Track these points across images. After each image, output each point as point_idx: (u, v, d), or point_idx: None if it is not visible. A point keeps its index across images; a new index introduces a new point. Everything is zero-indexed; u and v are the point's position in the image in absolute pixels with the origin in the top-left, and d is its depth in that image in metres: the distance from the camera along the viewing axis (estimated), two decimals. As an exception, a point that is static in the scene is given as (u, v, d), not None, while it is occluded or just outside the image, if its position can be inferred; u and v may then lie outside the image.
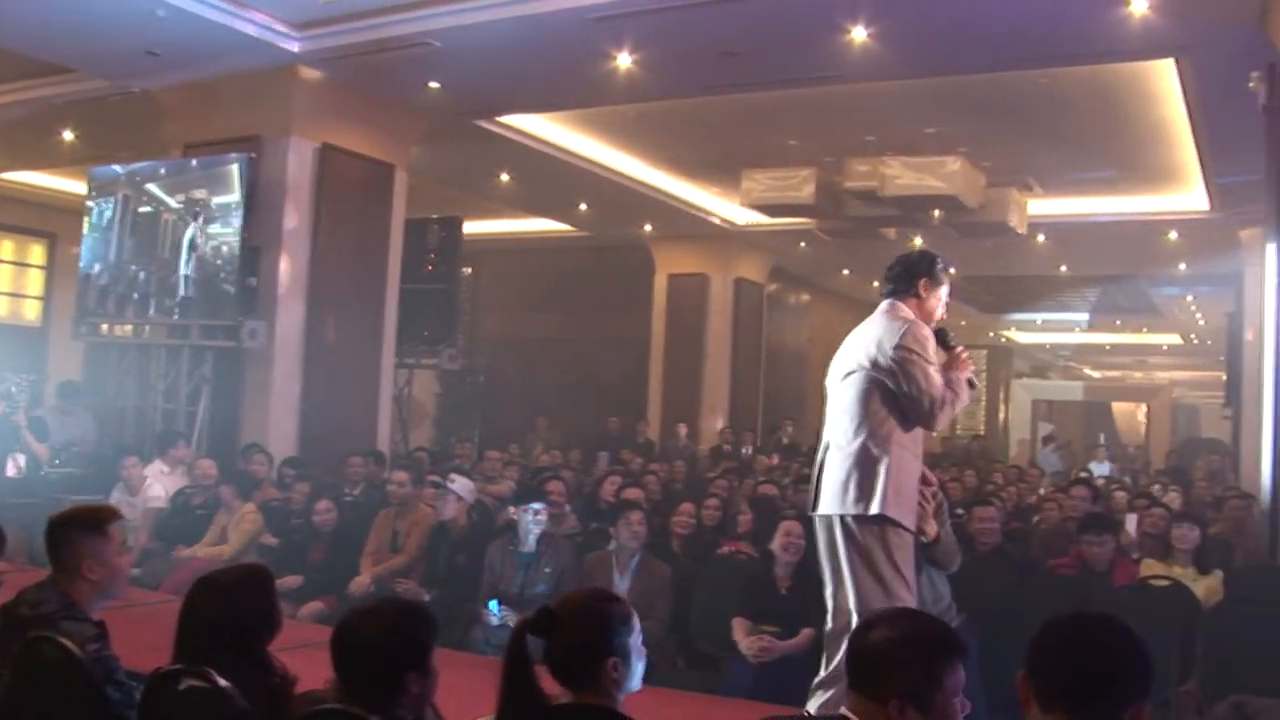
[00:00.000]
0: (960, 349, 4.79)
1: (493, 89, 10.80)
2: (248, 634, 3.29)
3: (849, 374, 4.64)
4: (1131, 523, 8.37)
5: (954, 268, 18.61)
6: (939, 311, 4.78)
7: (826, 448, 4.67)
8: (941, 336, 4.79)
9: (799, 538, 6.16)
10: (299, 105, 10.26)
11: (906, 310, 4.67)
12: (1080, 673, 2.40)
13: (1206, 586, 6.69)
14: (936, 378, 4.49)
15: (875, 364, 4.54)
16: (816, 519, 4.68)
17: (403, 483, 8.08)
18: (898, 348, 4.48)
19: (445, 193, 14.74)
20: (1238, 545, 8.44)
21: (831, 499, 4.53)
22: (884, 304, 4.76)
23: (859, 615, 4.28)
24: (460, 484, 7.88)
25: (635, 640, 2.91)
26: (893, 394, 4.50)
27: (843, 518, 4.48)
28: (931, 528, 4.83)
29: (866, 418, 4.50)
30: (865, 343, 4.64)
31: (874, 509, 4.37)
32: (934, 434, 4.88)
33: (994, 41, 8.89)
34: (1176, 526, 7.10)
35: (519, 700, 2.75)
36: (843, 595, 4.49)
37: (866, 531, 4.42)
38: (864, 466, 4.44)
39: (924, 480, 4.82)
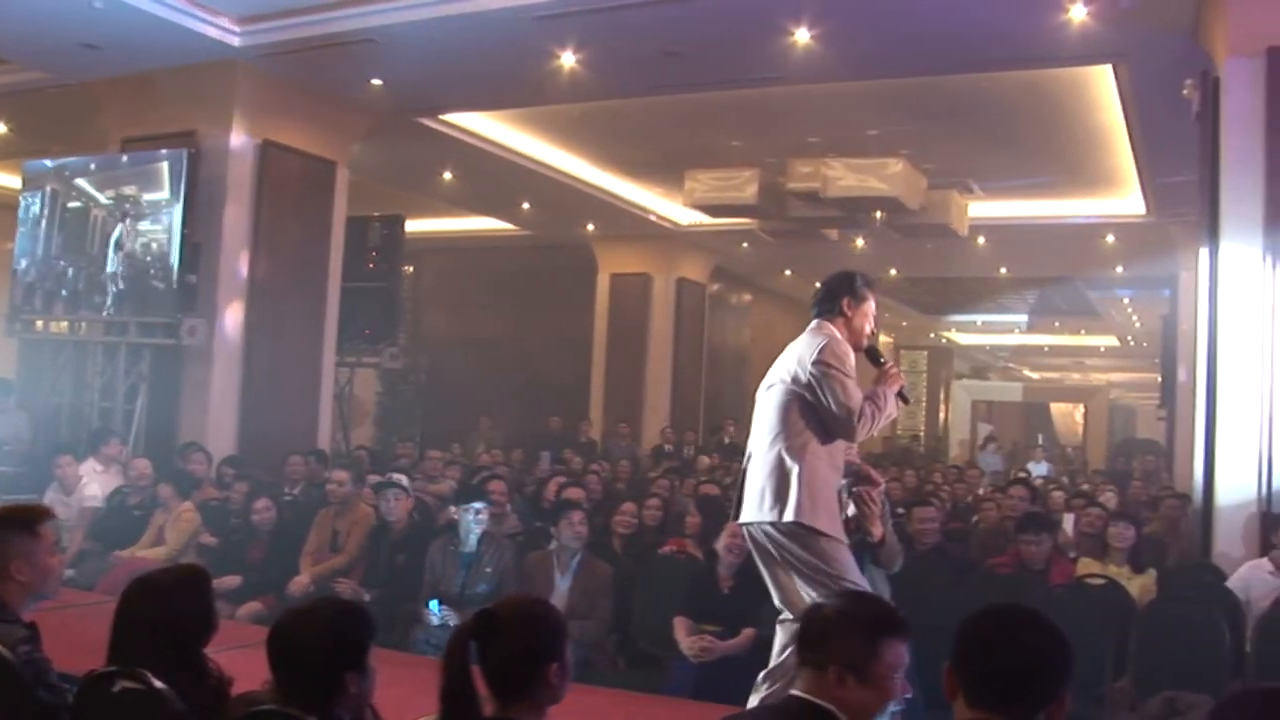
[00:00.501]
0: (889, 365, 4.87)
1: (435, 86, 10.75)
2: (184, 635, 3.24)
3: (770, 387, 4.73)
4: (1069, 523, 8.46)
5: (895, 269, 18.98)
6: (868, 328, 4.86)
7: (749, 457, 4.75)
8: (872, 354, 4.92)
9: (743, 539, 6.17)
10: (240, 101, 10.15)
11: (831, 328, 4.74)
12: (1004, 667, 2.44)
13: (1141, 585, 6.79)
14: (855, 391, 4.56)
15: (795, 378, 4.61)
16: (741, 528, 4.74)
17: (343, 482, 8.01)
18: (816, 362, 4.56)
19: (387, 191, 14.65)
20: (1171, 544, 8.56)
21: (749, 507, 4.61)
22: (811, 324, 4.84)
23: None
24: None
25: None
26: (812, 407, 4.58)
27: (763, 526, 4.54)
28: (878, 529, 4.90)
29: (783, 429, 4.58)
30: (790, 357, 4.72)
31: (788, 516, 4.43)
32: (854, 445, 4.91)
33: (936, 45, 8.97)
34: (1113, 526, 7.20)
35: (458, 708, 2.72)
36: (794, 597, 4.50)
37: (789, 538, 4.47)
38: (778, 475, 4.51)
39: (870, 481, 4.88)
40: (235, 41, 9.59)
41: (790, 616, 4.49)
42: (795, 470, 4.47)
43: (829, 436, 4.61)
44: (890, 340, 27.02)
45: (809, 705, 2.72)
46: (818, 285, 5.03)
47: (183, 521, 8.21)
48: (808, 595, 4.39)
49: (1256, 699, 2.18)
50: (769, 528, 4.51)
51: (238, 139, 10.21)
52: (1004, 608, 2.59)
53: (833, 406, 4.52)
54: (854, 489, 4.90)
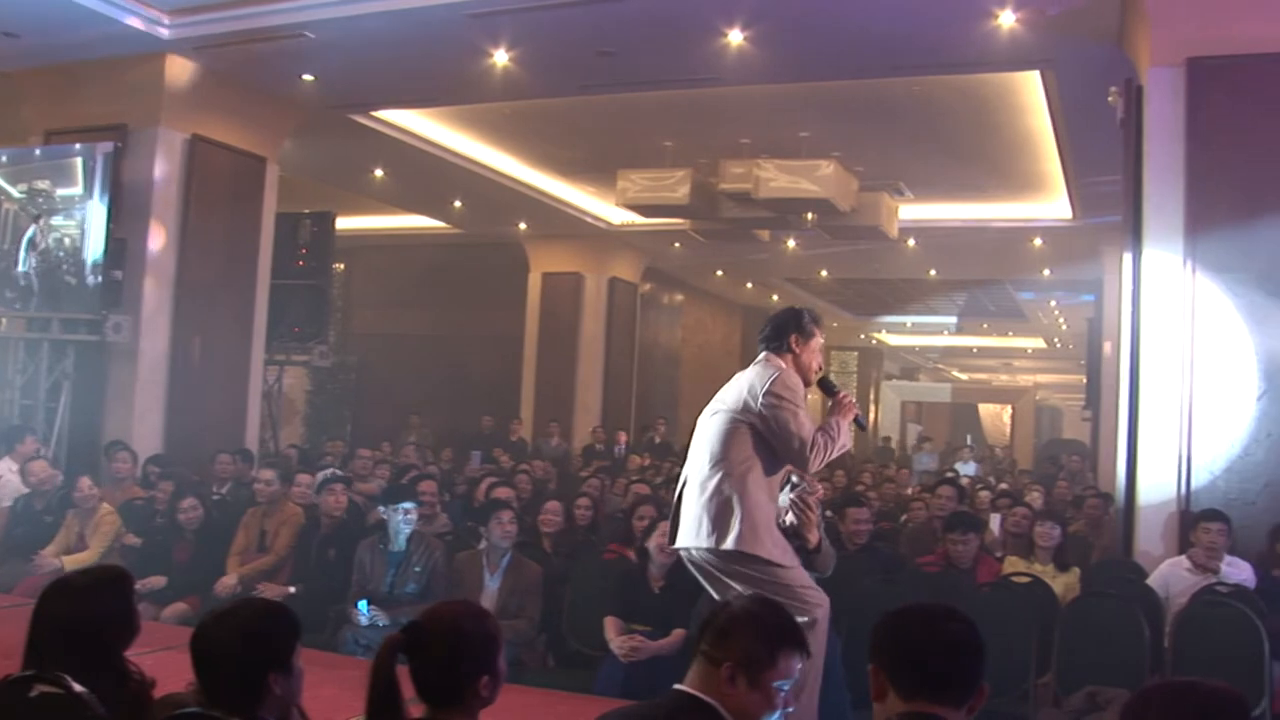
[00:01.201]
0: (843, 394, 4.94)
1: (367, 83, 10.68)
2: (104, 637, 3.19)
3: (716, 413, 4.75)
4: (996, 522, 8.58)
5: (825, 270, 19.09)
6: (815, 364, 4.91)
7: (684, 482, 4.77)
8: (826, 384, 5.00)
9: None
10: (168, 94, 9.99)
11: (779, 361, 4.78)
12: (932, 655, 2.51)
13: (1065, 583, 6.91)
14: (807, 422, 4.60)
15: (745, 408, 4.64)
16: (684, 559, 4.76)
17: (270, 481, 7.94)
18: (767, 393, 4.59)
19: (318, 187, 14.54)
20: (1095, 543, 8.71)
21: (686, 533, 4.64)
22: (760, 356, 4.87)
23: None
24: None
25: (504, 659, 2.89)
26: (760, 437, 4.61)
27: (702, 551, 4.57)
28: (814, 536, 4.94)
29: (724, 457, 4.60)
30: (738, 387, 4.75)
31: (728, 544, 4.46)
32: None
33: (868, 49, 9.05)
34: (1038, 525, 7.32)
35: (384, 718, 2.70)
36: None
37: (732, 564, 4.50)
38: (717, 503, 4.53)
39: (808, 487, 4.93)
40: (164, 34, 9.46)
41: None
42: (736, 499, 4.50)
43: (774, 467, 4.66)
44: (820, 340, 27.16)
45: (694, 700, 2.74)
46: (765, 323, 5.05)
47: (105, 525, 8.03)
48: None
49: (1164, 693, 2.23)
50: (708, 554, 4.54)
51: (166, 133, 10.06)
52: (921, 606, 2.65)
53: (784, 436, 4.56)
54: (793, 495, 4.93)
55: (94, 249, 9.60)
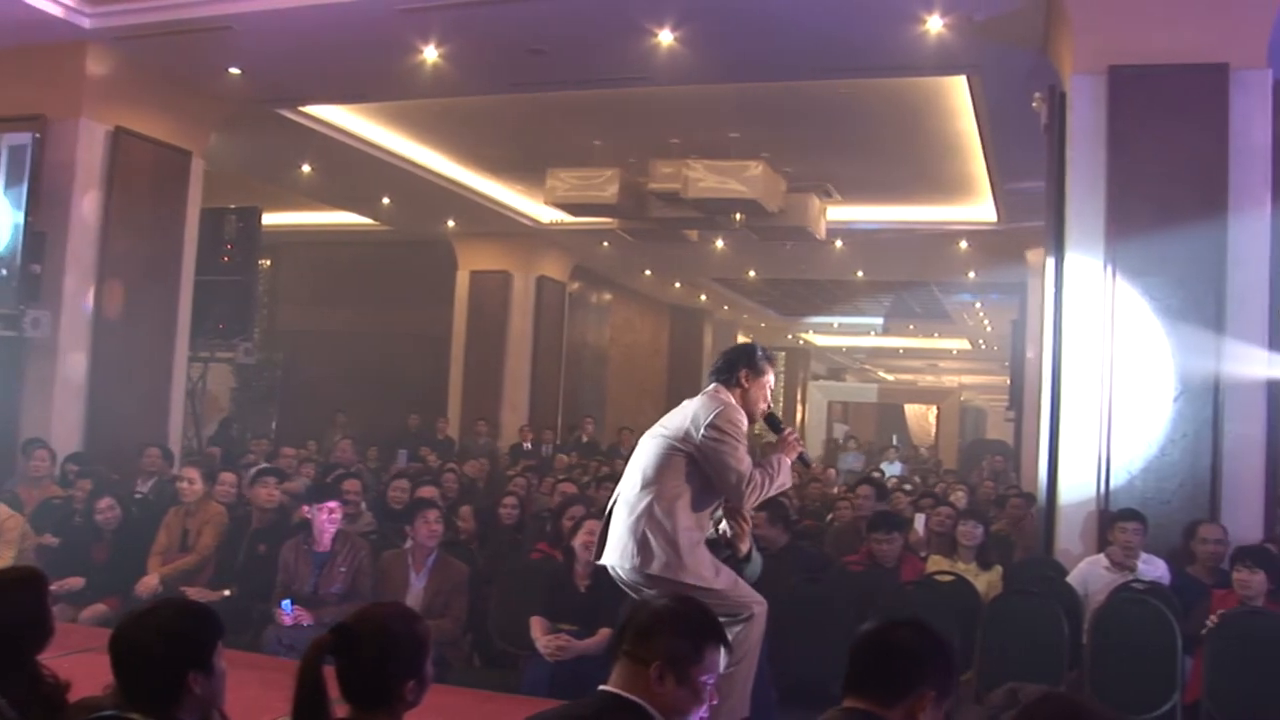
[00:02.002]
0: (790, 432, 4.99)
1: (295, 77, 10.58)
2: (16, 640, 3.13)
3: (656, 437, 4.77)
4: (920, 522, 8.68)
5: (754, 270, 19.19)
6: (763, 403, 4.94)
7: (615, 499, 4.79)
8: (772, 421, 5.06)
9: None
10: (89, 85, 9.81)
11: (727, 395, 4.81)
12: (863, 654, 2.61)
13: (987, 581, 7.02)
14: (746, 458, 4.64)
15: (686, 436, 4.66)
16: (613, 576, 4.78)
17: (193, 480, 7.84)
18: (710, 425, 4.62)
19: (245, 182, 14.35)
20: (1017, 541, 8.85)
21: (613, 551, 4.66)
22: (709, 387, 4.90)
23: None
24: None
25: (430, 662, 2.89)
26: (697, 466, 4.64)
27: (627, 570, 4.60)
28: (746, 544, 4.97)
29: (657, 481, 4.62)
30: (682, 415, 4.77)
31: (653, 569, 4.49)
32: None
33: (797, 51, 9.12)
34: (962, 524, 7.43)
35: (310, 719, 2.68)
36: None
37: (656, 585, 4.52)
38: (643, 526, 4.55)
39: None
40: (85, 23, 9.29)
41: None
42: (662, 523, 4.52)
43: (706, 498, 4.69)
44: (748, 340, 27.31)
45: (621, 700, 2.75)
46: (718, 357, 5.11)
47: (8, 532, 7.69)
48: None
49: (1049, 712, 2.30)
50: (633, 572, 4.57)
51: (87, 125, 9.87)
52: (896, 615, 2.73)
53: (723, 470, 4.59)
54: (728, 504, 4.97)
55: (1, 241, 9.38)
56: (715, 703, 2.85)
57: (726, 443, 4.60)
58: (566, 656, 5.85)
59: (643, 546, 4.52)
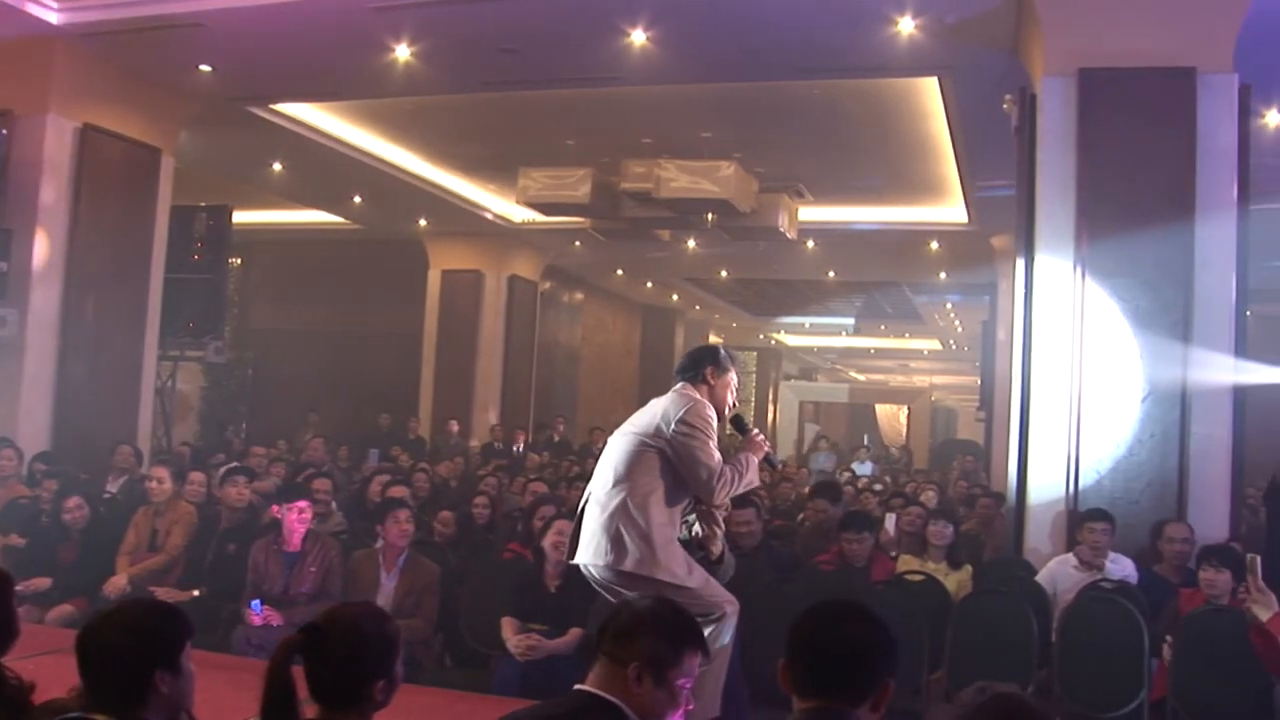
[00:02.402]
0: (756, 433, 5.06)
1: (267, 75, 10.53)
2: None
3: (626, 435, 4.80)
4: (891, 522, 8.72)
5: (725, 270, 19.22)
6: (730, 398, 5.00)
7: (587, 497, 4.81)
8: (738, 422, 5.15)
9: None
10: (58, 81, 9.74)
11: (694, 392, 4.86)
12: (826, 657, 2.56)
13: (957, 580, 7.05)
14: (716, 453, 4.70)
15: (657, 433, 4.70)
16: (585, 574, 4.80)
17: (162, 480, 7.79)
18: (680, 421, 4.66)
19: (215, 180, 14.27)
20: (987, 541, 8.89)
21: (585, 549, 4.68)
22: (676, 385, 4.95)
23: None
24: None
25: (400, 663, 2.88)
26: (668, 463, 4.68)
27: (600, 568, 4.62)
28: (717, 547, 4.99)
29: (628, 478, 4.65)
30: (652, 412, 4.82)
31: (626, 566, 4.51)
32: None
33: (770, 51, 9.14)
34: (932, 524, 7.46)
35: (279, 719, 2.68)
36: None
37: (629, 583, 4.54)
38: (616, 523, 4.57)
39: (725, 512, 5.01)
40: (54, 19, 9.23)
41: None
42: (635, 520, 4.54)
43: (678, 495, 4.72)
44: (720, 340, 27.37)
45: (598, 700, 2.76)
46: (683, 356, 5.18)
47: None
48: None
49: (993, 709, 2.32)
50: (605, 571, 4.59)
51: (55, 121, 9.80)
52: (831, 603, 2.70)
53: (693, 465, 4.63)
54: (700, 506, 4.98)
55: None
56: (691, 707, 2.87)
57: (697, 438, 4.64)
58: (538, 656, 5.85)
59: (616, 543, 4.53)
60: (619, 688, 2.74)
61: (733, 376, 5.03)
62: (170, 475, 7.93)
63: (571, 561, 4.84)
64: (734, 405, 5.07)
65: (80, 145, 9.99)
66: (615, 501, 4.61)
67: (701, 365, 4.95)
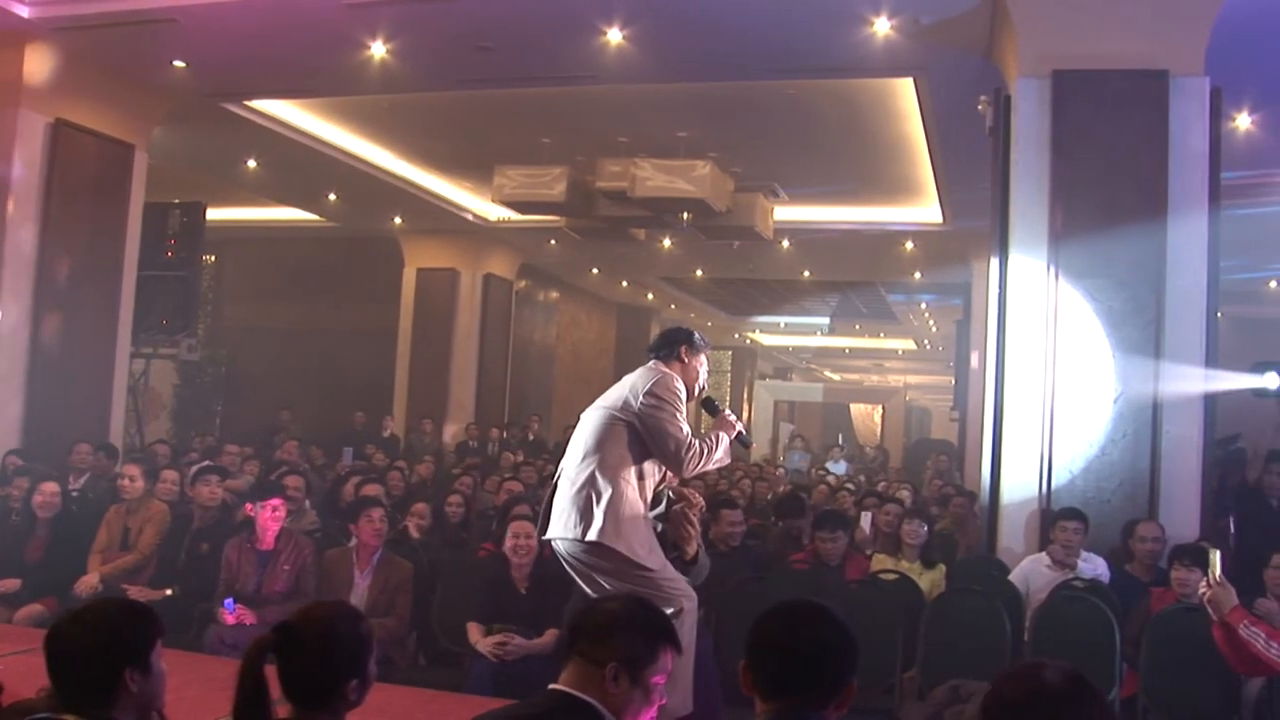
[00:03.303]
0: (727, 412, 5.09)
1: (241, 71, 10.48)
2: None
3: (597, 409, 4.83)
4: (867, 520, 8.75)
5: (701, 270, 19.22)
6: (701, 378, 5.04)
7: (559, 474, 4.84)
8: (709, 404, 5.20)
9: (528, 538, 6.19)
10: (29, 76, 9.66)
11: (666, 368, 4.88)
12: (789, 661, 2.57)
13: (931, 579, 7.10)
14: (684, 425, 4.72)
15: (626, 406, 4.73)
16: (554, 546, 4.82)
17: (134, 477, 7.74)
18: (648, 394, 4.70)
19: (189, 177, 14.20)
20: (960, 540, 8.93)
21: (555, 524, 4.70)
22: (648, 364, 4.97)
23: None
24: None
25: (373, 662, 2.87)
26: (637, 436, 4.70)
27: (567, 542, 4.64)
28: (692, 548, 5.00)
29: (598, 451, 4.68)
30: (622, 387, 4.85)
31: (591, 536, 4.53)
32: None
33: (746, 51, 9.15)
34: (907, 523, 7.50)
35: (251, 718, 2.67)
36: None
37: (592, 557, 4.57)
38: (585, 495, 4.60)
39: (688, 501, 5.00)
40: (24, 12, 9.15)
41: None
42: (605, 493, 4.56)
43: (647, 468, 4.74)
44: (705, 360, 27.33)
45: (573, 700, 2.75)
46: (656, 336, 5.21)
47: None
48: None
49: (1025, 677, 2.30)
50: (572, 544, 4.60)
51: (26, 116, 9.73)
52: (789, 605, 2.69)
53: (661, 437, 4.65)
54: (673, 507, 4.99)
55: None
56: (664, 703, 2.87)
57: (665, 409, 4.68)
58: (512, 657, 5.84)
59: (584, 514, 4.56)
60: (594, 688, 2.73)
61: (704, 359, 5.06)
62: (142, 473, 7.88)
63: (544, 538, 4.86)
64: (705, 387, 5.10)
65: (52, 141, 9.93)
66: (585, 474, 4.64)
67: (676, 344, 4.98)
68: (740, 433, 5.05)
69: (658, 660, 2.80)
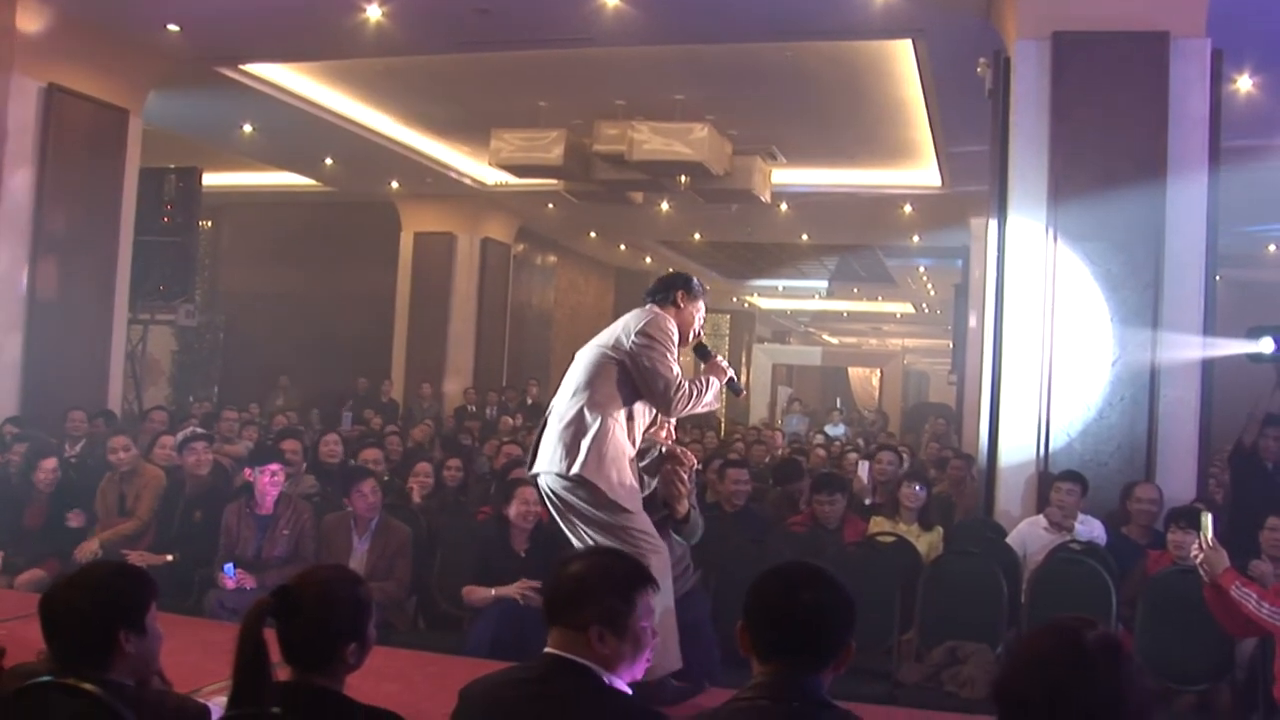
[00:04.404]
0: (719, 357, 5.06)
1: (236, 35, 10.42)
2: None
3: (590, 348, 4.82)
4: (864, 469, 8.78)
5: (699, 233, 19.17)
6: (697, 324, 5.01)
7: (550, 410, 4.82)
8: (701, 350, 5.13)
9: (536, 504, 6.17)
10: (21, 40, 9.58)
11: (660, 311, 4.85)
12: (787, 624, 2.56)
13: (929, 542, 7.10)
14: (675, 365, 4.70)
15: (618, 345, 4.72)
16: (539, 483, 4.82)
17: (126, 448, 7.70)
18: (640, 333, 4.69)
19: (185, 142, 14.13)
20: (958, 503, 8.95)
21: (543, 457, 4.70)
22: (644, 306, 4.95)
23: None
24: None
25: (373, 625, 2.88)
26: (627, 375, 4.69)
27: (552, 475, 4.63)
28: (682, 507, 4.98)
29: (588, 387, 4.68)
30: (615, 327, 4.84)
31: (575, 469, 4.53)
32: (670, 424, 5.06)
33: (743, 13, 9.11)
34: (905, 486, 7.50)
35: (251, 683, 2.65)
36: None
37: (574, 491, 4.57)
38: (573, 430, 4.60)
39: (677, 460, 4.98)
40: (16, -24, 9.11)
41: None
42: (592, 428, 4.56)
43: (637, 408, 4.73)
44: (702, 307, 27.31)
45: (569, 664, 2.74)
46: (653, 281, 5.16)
47: None
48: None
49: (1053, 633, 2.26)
50: (557, 478, 4.60)
51: (20, 81, 9.66)
52: (787, 567, 2.69)
53: (650, 376, 4.63)
54: (665, 466, 4.98)
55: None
56: (656, 639, 2.87)
57: (655, 349, 4.66)
58: (533, 604, 5.81)
59: (570, 449, 4.56)
60: (583, 650, 2.73)
61: (701, 306, 5.04)
62: (131, 441, 7.87)
63: (530, 472, 4.86)
64: (700, 334, 5.08)
65: (45, 106, 9.87)
66: (573, 410, 4.64)
67: (672, 288, 4.96)
68: (731, 378, 5.01)
69: (637, 607, 2.77)
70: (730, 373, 5.01)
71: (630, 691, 2.78)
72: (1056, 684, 2.00)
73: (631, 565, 2.93)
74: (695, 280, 5.06)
